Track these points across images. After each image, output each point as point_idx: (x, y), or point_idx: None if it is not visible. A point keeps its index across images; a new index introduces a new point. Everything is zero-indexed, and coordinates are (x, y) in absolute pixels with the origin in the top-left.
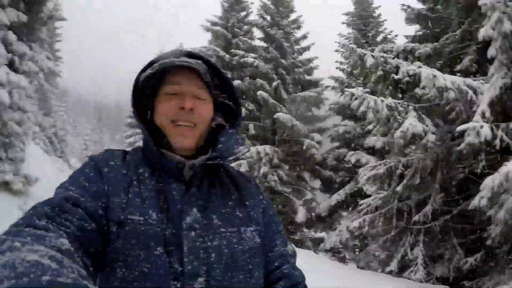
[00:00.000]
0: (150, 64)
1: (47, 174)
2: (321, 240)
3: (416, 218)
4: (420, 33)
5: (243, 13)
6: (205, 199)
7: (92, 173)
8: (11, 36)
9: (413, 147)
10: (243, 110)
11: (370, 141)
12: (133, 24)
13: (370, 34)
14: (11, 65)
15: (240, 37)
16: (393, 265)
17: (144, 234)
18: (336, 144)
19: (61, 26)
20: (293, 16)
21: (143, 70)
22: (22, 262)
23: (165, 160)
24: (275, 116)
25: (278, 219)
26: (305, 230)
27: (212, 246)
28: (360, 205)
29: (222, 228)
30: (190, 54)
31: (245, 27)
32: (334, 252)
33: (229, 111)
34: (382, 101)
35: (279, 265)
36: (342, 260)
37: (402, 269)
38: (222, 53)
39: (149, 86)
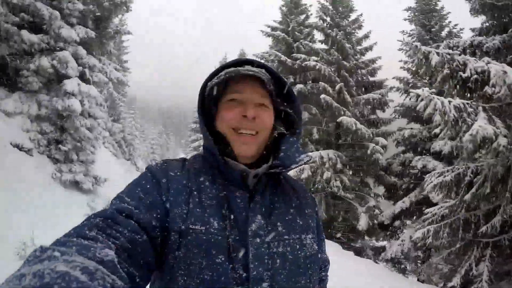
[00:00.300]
0: (215, 73)
1: (115, 175)
2: (383, 249)
3: (483, 229)
4: (487, 24)
5: (302, 16)
6: (268, 206)
7: (149, 185)
8: (81, 51)
9: (483, 151)
10: (306, 114)
11: (438, 145)
12: (191, 34)
13: (434, 29)
14: (82, 77)
15: (301, 40)
16: (455, 281)
17: (205, 243)
18: (402, 148)
19: (127, 39)
20: (353, 16)
21: (209, 79)
22: (51, 272)
23: (229, 169)
24: (338, 120)
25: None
26: (366, 238)
27: (278, 252)
28: (425, 214)
29: (286, 236)
30: (253, 63)
31: (305, 30)
32: (395, 263)
33: (289, 119)
34: (450, 102)
35: (320, 269)
36: (403, 271)
37: (465, 286)
38: (283, 57)
39: (213, 94)
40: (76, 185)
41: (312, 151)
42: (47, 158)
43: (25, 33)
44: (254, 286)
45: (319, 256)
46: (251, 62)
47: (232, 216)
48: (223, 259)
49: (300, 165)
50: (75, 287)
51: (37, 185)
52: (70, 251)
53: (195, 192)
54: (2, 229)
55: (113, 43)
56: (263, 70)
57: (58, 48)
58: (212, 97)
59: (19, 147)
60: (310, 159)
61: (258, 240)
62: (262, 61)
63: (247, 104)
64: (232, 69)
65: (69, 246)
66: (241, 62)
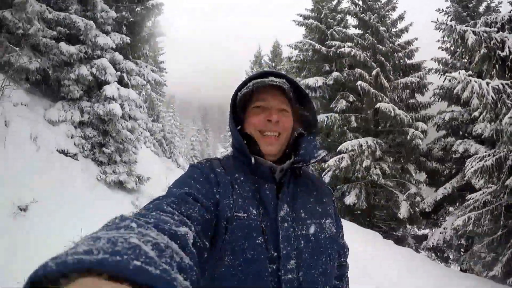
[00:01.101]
0: (244, 84)
1: (157, 173)
2: (424, 237)
3: None
4: None
5: (334, 2)
6: (292, 196)
7: (201, 178)
8: (118, 57)
9: None
10: (344, 103)
11: (479, 128)
12: (225, 29)
13: (470, 4)
14: (120, 81)
15: (334, 27)
16: (497, 270)
17: (247, 227)
18: (443, 132)
19: (162, 41)
20: None
21: (239, 89)
22: (124, 242)
23: (258, 165)
24: (376, 106)
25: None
26: (408, 226)
27: (301, 234)
28: (467, 200)
29: (308, 220)
30: (275, 74)
31: (338, 16)
32: (437, 251)
33: (307, 121)
34: (488, 83)
35: (339, 253)
36: (445, 260)
37: (508, 274)
38: (317, 46)
39: (240, 102)
40: (120, 185)
41: (350, 140)
42: (91, 161)
43: (63, 45)
44: (284, 263)
45: (338, 239)
46: (273, 74)
47: (263, 205)
48: (262, 240)
49: (318, 160)
50: (143, 261)
51: (84, 187)
52: (147, 224)
53: (236, 186)
54: (53, 230)
55: (148, 45)
56: (284, 80)
57: (95, 56)
58: (241, 104)
59: (65, 153)
60: (327, 154)
61: (286, 224)
62: (296, 51)
63: (271, 110)
64: (259, 80)
65: (148, 218)
66: (265, 73)
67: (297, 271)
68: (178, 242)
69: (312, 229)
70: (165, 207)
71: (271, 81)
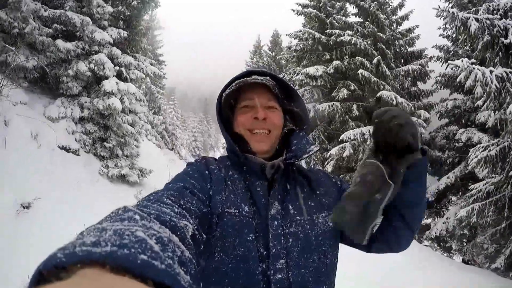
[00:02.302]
0: (228, 85)
1: (160, 166)
2: (427, 227)
3: None
4: None
5: None
6: (283, 193)
7: (196, 174)
8: (116, 51)
9: None
10: (345, 91)
11: (482, 116)
12: (224, 20)
13: None
14: (119, 76)
15: (334, 15)
16: (499, 262)
17: (239, 224)
18: (445, 121)
19: (160, 33)
20: None
21: (223, 90)
22: (130, 235)
23: (250, 163)
24: (378, 94)
25: None
26: None
27: (290, 232)
28: (470, 190)
29: (297, 217)
30: (259, 73)
31: (337, 4)
32: (440, 241)
33: (298, 117)
34: (491, 71)
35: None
36: (448, 250)
37: (511, 267)
38: (317, 35)
39: (228, 102)
40: (122, 178)
41: (352, 128)
42: (93, 156)
43: (60, 42)
44: (273, 262)
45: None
46: (256, 72)
47: (255, 203)
48: (252, 237)
49: (310, 155)
50: (149, 255)
51: (86, 181)
52: (149, 216)
53: (229, 182)
54: (54, 225)
55: (146, 39)
56: (268, 78)
57: (93, 52)
58: (228, 105)
59: (67, 149)
60: (319, 149)
61: (276, 222)
62: (296, 40)
63: (257, 107)
64: (241, 79)
65: (149, 209)
66: (248, 73)
67: (287, 271)
68: (178, 234)
69: (301, 226)
70: (165, 199)
71: (254, 79)
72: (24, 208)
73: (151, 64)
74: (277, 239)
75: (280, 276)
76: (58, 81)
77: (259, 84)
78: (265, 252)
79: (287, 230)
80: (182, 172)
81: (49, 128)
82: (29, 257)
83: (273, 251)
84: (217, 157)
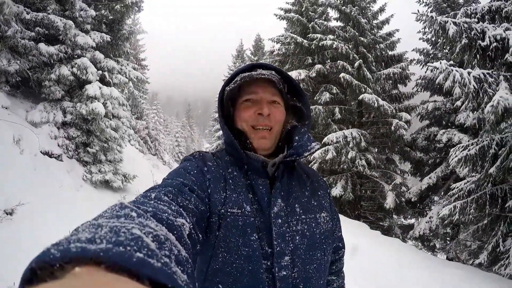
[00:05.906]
0: (231, 79)
1: (143, 171)
2: (411, 227)
3: (510, 204)
4: None
5: None
6: (286, 190)
7: (195, 170)
8: (99, 55)
9: (510, 121)
10: (327, 95)
11: (462, 117)
12: (207, 25)
13: None
14: (102, 80)
15: (316, 20)
16: (482, 257)
17: (242, 224)
18: (426, 122)
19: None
20: None
21: (226, 84)
22: (126, 232)
23: (251, 160)
24: (360, 97)
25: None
26: (395, 216)
27: (296, 230)
28: (452, 189)
29: (303, 215)
30: (263, 66)
31: (319, 9)
32: (424, 240)
33: (300, 112)
34: (469, 73)
35: (336, 247)
36: (432, 249)
37: (494, 262)
38: (299, 39)
39: (229, 96)
40: (106, 184)
41: (335, 131)
42: (76, 161)
43: (42, 46)
44: (278, 260)
45: (334, 233)
46: (262, 66)
47: (257, 201)
48: (256, 237)
49: (312, 152)
50: (145, 253)
51: (69, 187)
52: (146, 213)
53: (230, 181)
54: (38, 231)
55: (129, 43)
56: (273, 72)
57: (76, 56)
58: (229, 99)
59: (49, 155)
60: (320, 147)
61: (279, 220)
62: (278, 45)
63: (261, 103)
64: (246, 73)
65: (146, 206)
66: (253, 66)
67: (292, 268)
68: (175, 232)
69: (307, 224)
70: (162, 196)
71: (259, 74)
72: (7, 214)
73: (134, 68)
74: (281, 237)
75: (285, 273)
76: (41, 85)
77: (263, 78)
78: (270, 250)
79: (293, 228)
80: (180, 167)
81: (31, 133)
82: (13, 264)
83: (278, 249)
84: (214, 151)
